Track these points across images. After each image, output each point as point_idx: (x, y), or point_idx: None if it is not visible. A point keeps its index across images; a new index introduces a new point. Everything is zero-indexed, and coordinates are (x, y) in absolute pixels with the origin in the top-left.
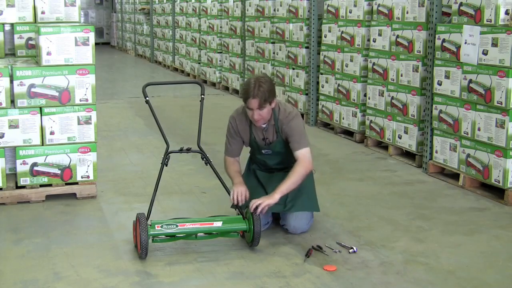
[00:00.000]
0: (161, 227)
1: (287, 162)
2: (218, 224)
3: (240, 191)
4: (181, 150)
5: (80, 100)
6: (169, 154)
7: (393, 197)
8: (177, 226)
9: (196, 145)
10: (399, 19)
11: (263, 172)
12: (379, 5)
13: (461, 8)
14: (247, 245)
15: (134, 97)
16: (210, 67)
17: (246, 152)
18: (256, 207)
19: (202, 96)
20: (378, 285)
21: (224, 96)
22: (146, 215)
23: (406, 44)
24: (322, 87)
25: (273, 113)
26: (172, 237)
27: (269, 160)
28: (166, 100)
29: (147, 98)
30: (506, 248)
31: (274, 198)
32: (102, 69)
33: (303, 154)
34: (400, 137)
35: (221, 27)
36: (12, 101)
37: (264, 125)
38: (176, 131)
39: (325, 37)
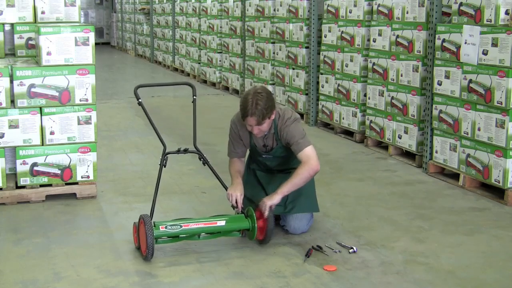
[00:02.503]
0: (166, 228)
1: (288, 164)
2: (222, 223)
3: (234, 196)
4: (178, 151)
5: (80, 100)
6: (167, 155)
7: (393, 197)
8: (181, 226)
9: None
10: (399, 19)
11: (263, 173)
12: (379, 5)
13: (461, 8)
14: (248, 245)
15: (134, 97)
16: (210, 67)
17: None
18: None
19: (194, 97)
20: (378, 285)
21: (224, 96)
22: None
23: (406, 44)
24: (322, 87)
25: (273, 121)
26: (175, 237)
27: (269, 162)
28: (166, 100)
29: (139, 100)
30: (506, 248)
31: (275, 198)
32: (102, 69)
33: (306, 155)
34: (400, 137)
35: (221, 27)
36: (12, 101)
37: (265, 133)
38: (175, 131)
39: (325, 37)
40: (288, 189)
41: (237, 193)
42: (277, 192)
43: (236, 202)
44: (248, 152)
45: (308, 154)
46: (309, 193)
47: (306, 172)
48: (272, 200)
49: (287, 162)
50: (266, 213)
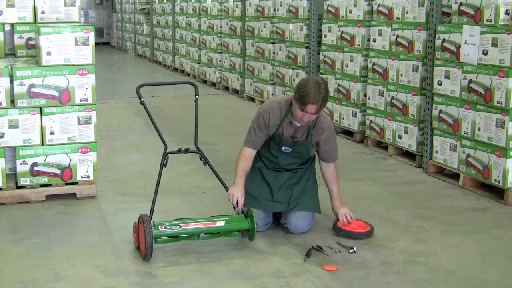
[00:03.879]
0: (165, 227)
1: (297, 164)
2: (221, 223)
3: (234, 197)
4: (179, 151)
5: (80, 100)
6: (168, 155)
7: (393, 197)
8: (180, 226)
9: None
10: (399, 19)
11: (269, 171)
12: (379, 5)
13: (461, 8)
14: (248, 245)
15: (134, 97)
16: (210, 67)
17: None
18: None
19: (197, 96)
20: (378, 285)
21: (224, 96)
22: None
23: (406, 44)
24: None
25: None
26: (174, 237)
27: (282, 158)
28: (166, 100)
29: (142, 99)
30: (506, 248)
31: (343, 205)
32: (102, 69)
33: (334, 166)
34: (400, 137)
35: (221, 27)
36: (12, 101)
37: (299, 124)
38: (175, 131)
39: (325, 37)
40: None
41: (238, 194)
42: (339, 201)
43: (237, 203)
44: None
45: (337, 164)
46: (313, 193)
47: (338, 178)
48: (345, 207)
49: (297, 162)
50: (352, 216)
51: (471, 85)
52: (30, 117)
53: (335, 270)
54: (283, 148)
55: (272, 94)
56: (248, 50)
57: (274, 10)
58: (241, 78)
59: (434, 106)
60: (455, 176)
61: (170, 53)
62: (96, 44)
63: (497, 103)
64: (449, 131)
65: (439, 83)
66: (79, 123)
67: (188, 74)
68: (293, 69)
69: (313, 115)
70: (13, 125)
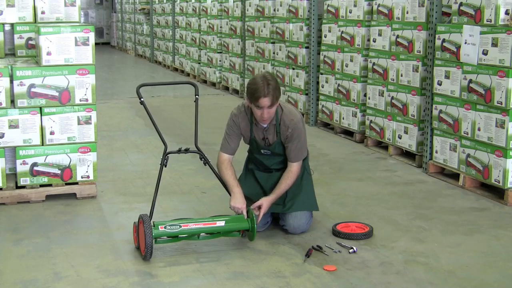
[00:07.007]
0: (165, 227)
1: (285, 162)
2: (221, 223)
3: (238, 209)
4: (179, 151)
5: (80, 100)
6: (168, 155)
7: (393, 197)
8: (180, 226)
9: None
10: (399, 19)
11: (261, 172)
12: (379, 5)
13: (461, 8)
14: (248, 245)
15: (134, 97)
16: (210, 67)
17: (243, 152)
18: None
19: (197, 96)
20: (378, 285)
21: (224, 96)
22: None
23: (406, 44)
24: (322, 87)
25: (275, 113)
26: (174, 237)
27: (267, 160)
28: (166, 100)
29: (142, 99)
30: (506, 248)
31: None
32: (102, 69)
33: (295, 167)
34: (400, 137)
35: (221, 27)
36: (12, 101)
37: (265, 125)
38: (176, 131)
39: (325, 37)
40: (277, 196)
41: (241, 205)
42: (271, 197)
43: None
44: (245, 152)
45: (297, 166)
46: (308, 191)
47: (291, 182)
48: (268, 200)
49: (285, 161)
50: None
51: (471, 85)
52: (30, 117)
53: (335, 270)
54: (262, 151)
55: None
56: (248, 50)
57: (274, 10)
58: (241, 78)
59: (434, 106)
60: (455, 176)
61: (170, 53)
62: (96, 44)
63: (497, 103)
64: (449, 131)
65: (439, 83)
66: (79, 123)
67: (188, 74)
68: (293, 69)
69: (270, 108)
70: (13, 125)
